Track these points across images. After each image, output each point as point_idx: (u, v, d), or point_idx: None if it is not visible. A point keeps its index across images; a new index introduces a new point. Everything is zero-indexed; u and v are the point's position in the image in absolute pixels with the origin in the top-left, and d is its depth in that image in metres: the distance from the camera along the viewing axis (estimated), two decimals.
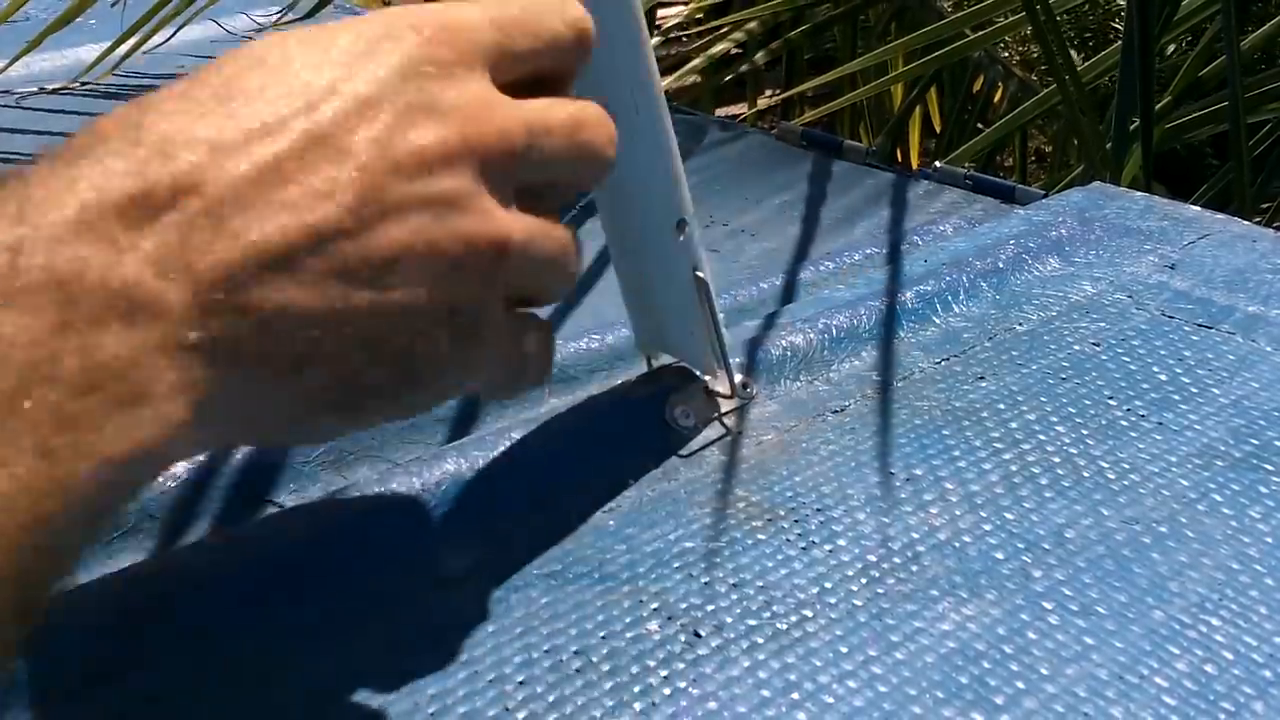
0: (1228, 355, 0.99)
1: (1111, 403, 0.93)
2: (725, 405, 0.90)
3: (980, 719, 0.65)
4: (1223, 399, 0.93)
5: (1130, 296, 1.09)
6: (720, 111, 3.45)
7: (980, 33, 2.31)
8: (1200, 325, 1.03)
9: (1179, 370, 0.97)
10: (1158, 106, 2.02)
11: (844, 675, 0.68)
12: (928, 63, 2.36)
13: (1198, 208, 1.26)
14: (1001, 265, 1.12)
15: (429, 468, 0.80)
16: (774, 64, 3.32)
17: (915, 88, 2.88)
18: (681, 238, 0.83)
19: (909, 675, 0.68)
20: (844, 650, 0.70)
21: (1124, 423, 0.91)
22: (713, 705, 0.66)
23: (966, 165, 1.67)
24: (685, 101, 2.78)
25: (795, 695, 0.67)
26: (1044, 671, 0.69)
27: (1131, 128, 1.81)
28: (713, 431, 0.88)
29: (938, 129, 3.30)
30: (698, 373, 0.90)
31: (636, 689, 0.67)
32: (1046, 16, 1.83)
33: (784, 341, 0.96)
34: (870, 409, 0.92)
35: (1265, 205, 2.24)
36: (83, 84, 1.90)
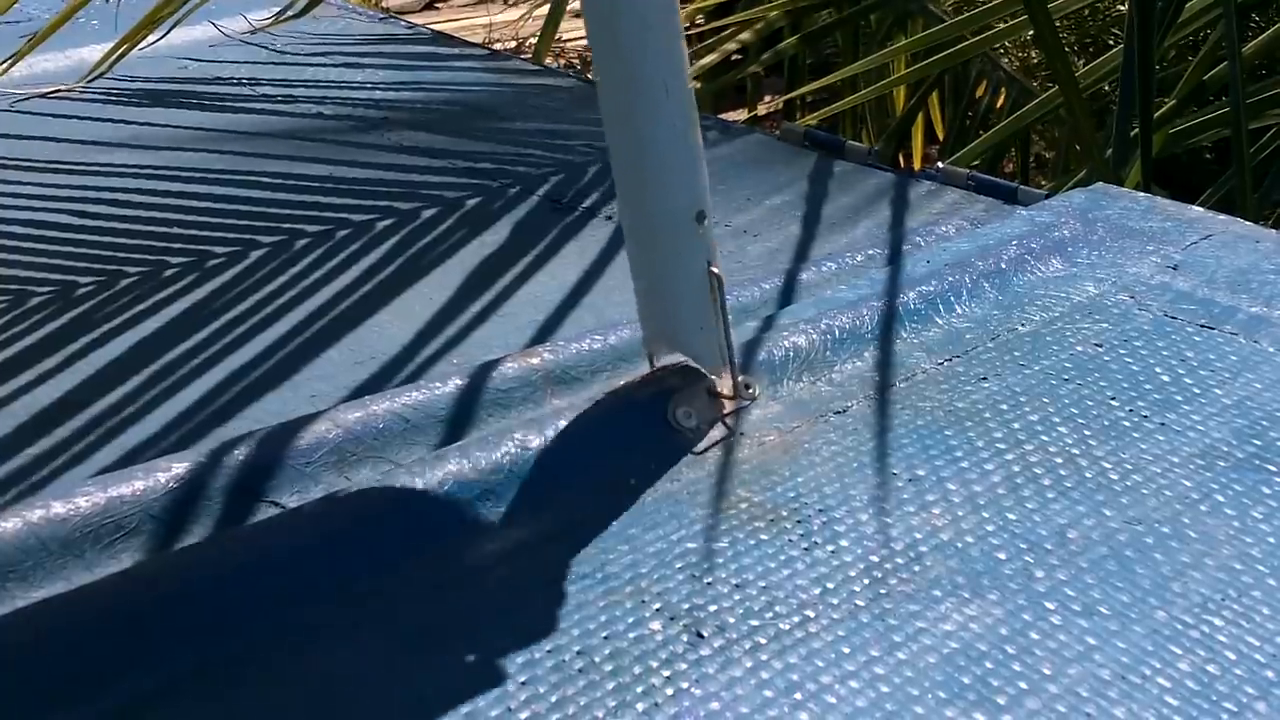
0: (1230, 356, 0.99)
1: (1114, 403, 0.93)
2: (728, 406, 0.90)
3: (983, 719, 0.65)
4: (1225, 400, 0.93)
5: (1133, 297, 1.08)
6: (720, 117, 3.44)
7: (980, 36, 2.32)
8: (1203, 326, 1.03)
9: (1182, 371, 0.97)
10: (1160, 112, 2.02)
11: (846, 675, 0.68)
12: (929, 65, 2.36)
13: (1200, 208, 1.26)
14: (1004, 266, 1.11)
15: (431, 468, 0.80)
16: (774, 69, 3.31)
17: (917, 93, 2.88)
18: (700, 230, 0.84)
19: (911, 675, 0.68)
20: (846, 650, 0.70)
21: (1126, 423, 0.91)
22: (715, 705, 0.66)
23: (969, 167, 1.66)
24: None
25: (798, 695, 0.66)
26: (1046, 671, 0.68)
27: (1132, 133, 1.81)
28: (715, 432, 0.88)
29: (940, 135, 3.30)
30: (702, 370, 0.90)
31: (639, 689, 0.67)
32: (1046, 19, 1.83)
33: (786, 342, 0.96)
34: (873, 409, 0.92)
35: (1268, 213, 2.23)
36: (84, 86, 1.90)
